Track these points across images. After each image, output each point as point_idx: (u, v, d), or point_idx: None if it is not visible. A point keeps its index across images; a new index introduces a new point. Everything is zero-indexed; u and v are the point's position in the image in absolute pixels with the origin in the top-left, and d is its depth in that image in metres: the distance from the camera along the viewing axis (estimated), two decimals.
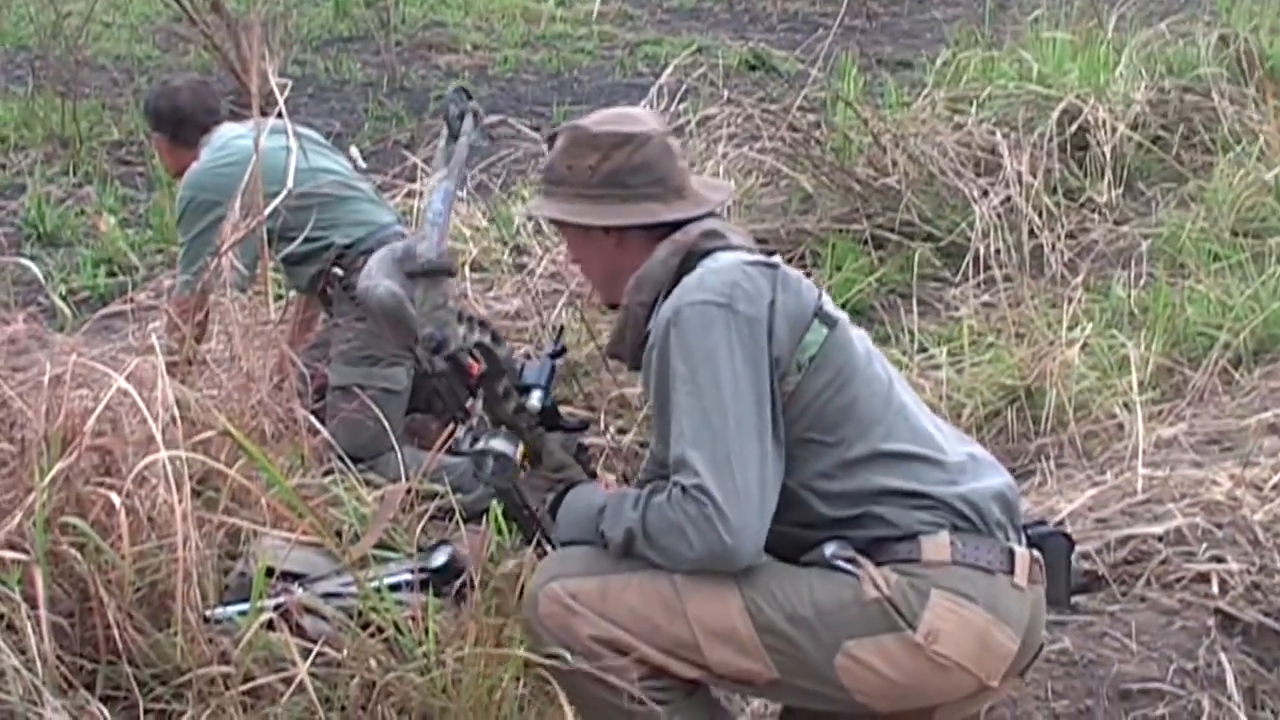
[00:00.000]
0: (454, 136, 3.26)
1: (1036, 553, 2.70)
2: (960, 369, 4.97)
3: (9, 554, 3.02)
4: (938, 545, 2.59)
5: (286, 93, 3.86)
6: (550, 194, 2.91)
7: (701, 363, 2.63)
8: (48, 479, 3.12)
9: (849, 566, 2.61)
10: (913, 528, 2.61)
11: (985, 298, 5.64)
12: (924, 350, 5.17)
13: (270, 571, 3.21)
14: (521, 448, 2.95)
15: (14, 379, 3.57)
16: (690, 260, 2.78)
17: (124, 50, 9.93)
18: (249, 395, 3.94)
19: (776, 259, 2.75)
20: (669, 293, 2.75)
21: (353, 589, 3.27)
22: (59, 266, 6.33)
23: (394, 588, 3.35)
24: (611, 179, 2.80)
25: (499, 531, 3.72)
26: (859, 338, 2.76)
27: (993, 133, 6.69)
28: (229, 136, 4.77)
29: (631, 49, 10.25)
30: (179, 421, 3.38)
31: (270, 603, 3.16)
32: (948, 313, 5.60)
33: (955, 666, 2.58)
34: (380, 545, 3.63)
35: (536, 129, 7.55)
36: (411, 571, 3.45)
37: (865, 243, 6.16)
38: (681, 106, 6.87)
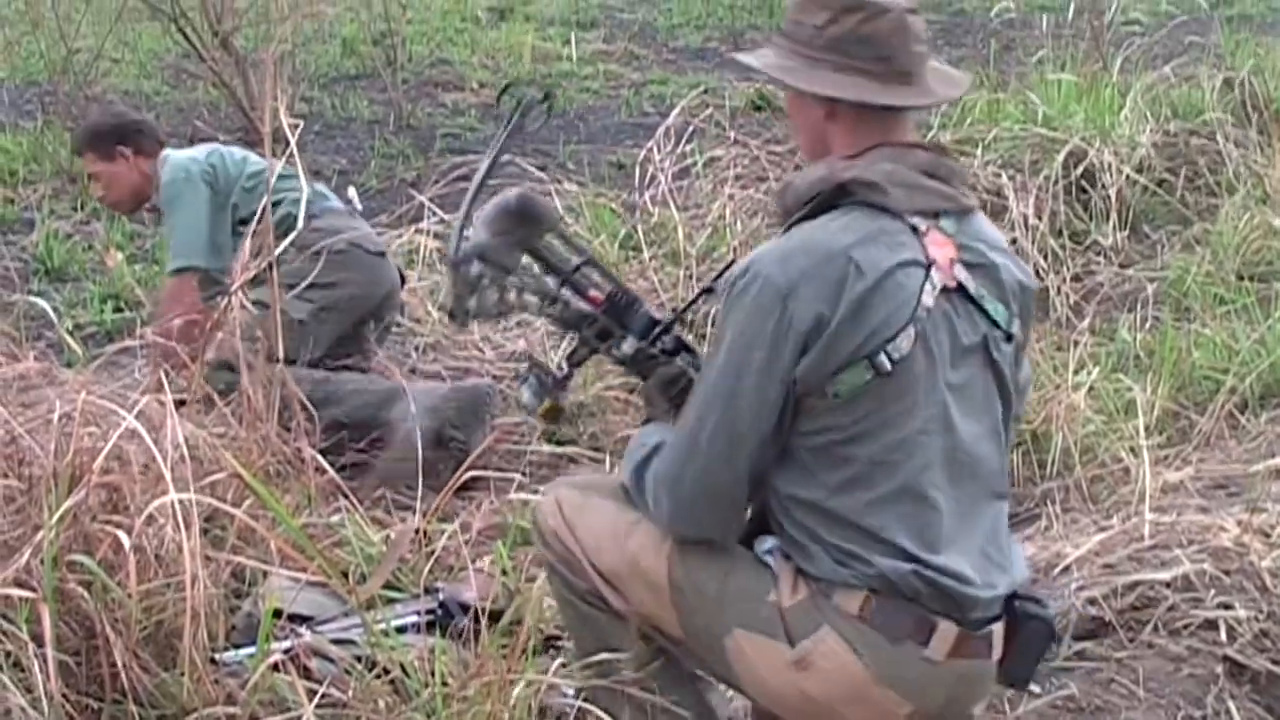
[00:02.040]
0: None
1: (992, 628, 2.67)
2: None
3: (16, 591, 3.02)
4: (852, 600, 2.59)
5: (298, 132, 3.87)
6: (776, 45, 2.77)
7: (731, 345, 2.62)
8: (56, 517, 3.12)
9: (773, 565, 2.67)
10: (835, 578, 2.61)
11: None
12: None
13: (278, 613, 3.21)
14: (547, 402, 3.08)
15: (23, 416, 3.58)
16: (834, 197, 2.64)
17: (132, 86, 9.94)
18: (255, 433, 3.95)
19: (888, 254, 2.58)
20: (797, 222, 2.68)
21: (360, 631, 3.28)
22: (67, 302, 6.34)
23: (401, 629, 3.35)
24: (834, 44, 2.66)
25: (504, 573, 3.73)
26: (931, 399, 2.61)
27: (998, 175, 6.71)
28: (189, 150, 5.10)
29: (637, 88, 10.27)
30: (187, 460, 3.38)
31: (278, 646, 3.16)
32: None
33: (820, 701, 2.62)
34: (387, 585, 3.63)
35: (542, 168, 7.58)
36: (419, 613, 3.46)
37: None
38: (688, 147, 6.89)
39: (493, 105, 9.86)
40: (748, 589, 2.68)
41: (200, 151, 5.09)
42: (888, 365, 2.56)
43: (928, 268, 2.61)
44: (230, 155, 5.07)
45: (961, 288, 2.65)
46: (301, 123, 4.03)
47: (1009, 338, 2.72)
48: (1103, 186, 6.72)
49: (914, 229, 2.63)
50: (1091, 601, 3.67)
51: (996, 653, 2.69)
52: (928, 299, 2.60)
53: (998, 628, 2.68)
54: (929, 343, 2.60)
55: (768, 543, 2.72)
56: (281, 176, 4.53)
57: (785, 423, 2.62)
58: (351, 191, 5.94)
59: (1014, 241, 6.21)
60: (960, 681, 2.66)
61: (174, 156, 5.06)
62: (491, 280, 3.00)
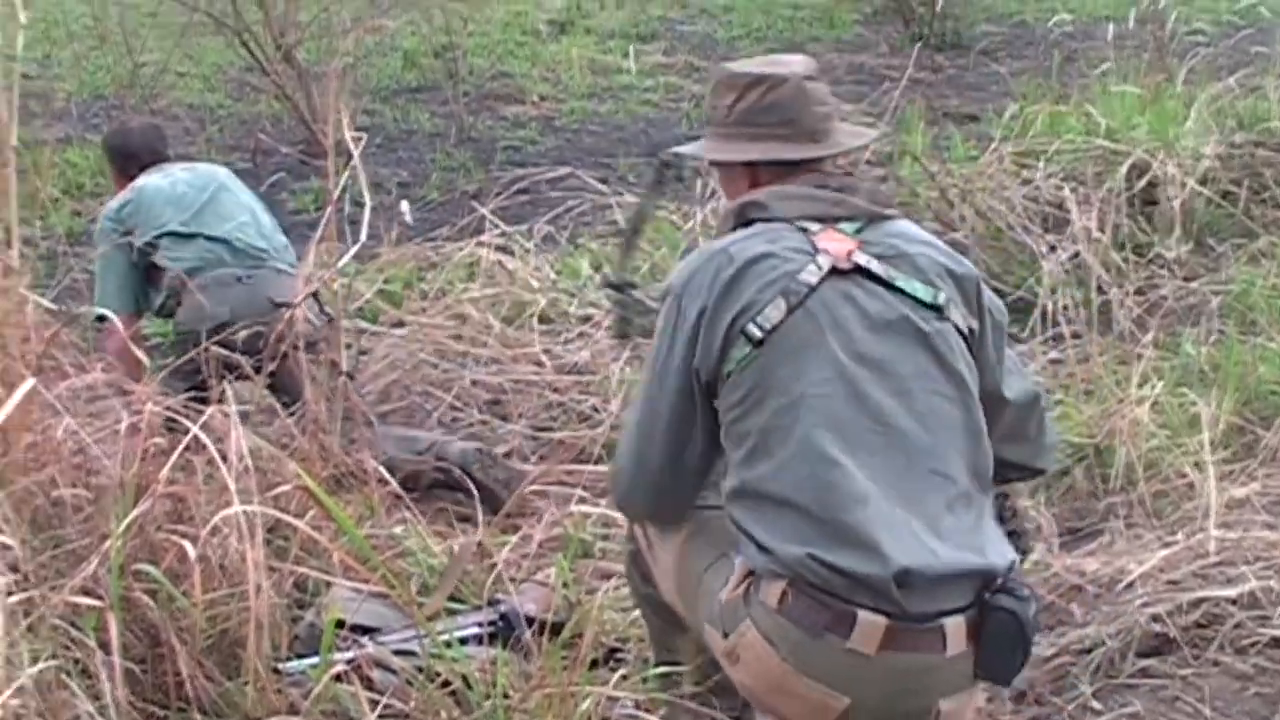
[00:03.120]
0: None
1: (944, 621, 2.63)
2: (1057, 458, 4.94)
3: (84, 600, 3.05)
4: (772, 593, 2.66)
5: (362, 145, 3.90)
6: (703, 135, 3.08)
7: (654, 344, 2.91)
8: (123, 526, 3.15)
9: (736, 563, 2.76)
10: (760, 569, 2.69)
11: (1053, 354, 5.60)
12: None
13: (340, 624, 3.22)
14: None
15: (91, 426, 3.62)
16: (738, 223, 2.91)
17: (197, 99, 10.04)
18: (318, 443, 3.98)
19: (766, 245, 2.80)
20: None
21: (423, 642, 3.29)
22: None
23: (462, 641, 3.37)
24: (744, 117, 2.93)
25: (565, 585, 3.73)
26: (815, 359, 2.72)
27: (1060, 188, 6.65)
28: (144, 179, 5.18)
29: (698, 100, 10.27)
30: (251, 471, 3.41)
31: (341, 656, 3.18)
32: None
33: (755, 692, 2.76)
34: (449, 596, 3.65)
35: (604, 181, 7.59)
36: (480, 624, 3.47)
37: None
38: None
39: (554, 118, 9.91)
40: (712, 585, 2.80)
41: (134, 192, 5.14)
42: (758, 334, 2.73)
43: (814, 255, 2.79)
44: (153, 208, 5.07)
45: (862, 269, 2.79)
46: (364, 136, 4.05)
47: (940, 315, 2.80)
48: (1166, 199, 6.64)
49: (803, 230, 2.84)
50: (1156, 618, 3.65)
51: (956, 646, 2.64)
52: (809, 277, 2.76)
53: (953, 620, 2.64)
54: (814, 313, 2.74)
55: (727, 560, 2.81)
56: (180, 237, 4.87)
57: (699, 410, 2.83)
58: (404, 205, 5.99)
59: (1076, 255, 6.16)
60: (902, 676, 2.64)
61: (121, 198, 5.19)
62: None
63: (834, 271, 2.78)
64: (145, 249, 4.98)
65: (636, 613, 3.66)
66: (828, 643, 2.63)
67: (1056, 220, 6.45)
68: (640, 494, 2.96)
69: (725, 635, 2.74)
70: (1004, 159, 6.96)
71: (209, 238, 5.02)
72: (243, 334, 4.39)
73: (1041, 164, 6.83)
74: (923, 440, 2.74)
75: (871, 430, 2.71)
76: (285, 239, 5.36)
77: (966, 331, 2.86)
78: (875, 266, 2.80)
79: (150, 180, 5.16)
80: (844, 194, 2.91)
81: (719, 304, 2.77)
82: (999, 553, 2.74)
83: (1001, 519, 2.95)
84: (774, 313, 2.73)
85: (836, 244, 2.82)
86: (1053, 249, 6.18)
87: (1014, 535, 2.97)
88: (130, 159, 5.35)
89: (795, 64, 3.02)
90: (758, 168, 2.94)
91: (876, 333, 2.76)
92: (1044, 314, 5.81)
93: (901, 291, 2.80)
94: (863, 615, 2.60)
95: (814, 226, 2.84)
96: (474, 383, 5.29)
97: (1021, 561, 2.90)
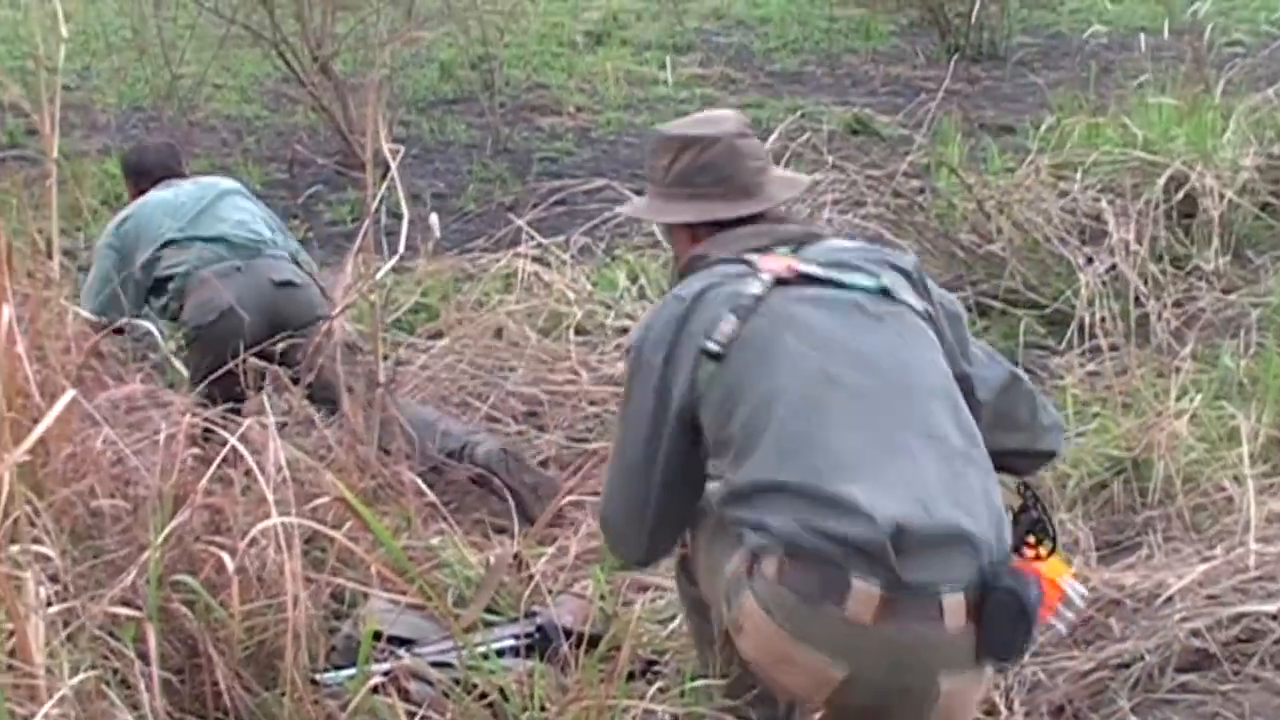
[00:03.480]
0: None
1: (942, 595, 2.69)
2: (1065, 439, 4.91)
3: (123, 610, 3.06)
4: (770, 564, 2.75)
5: (400, 157, 3.91)
6: (646, 193, 3.27)
7: (624, 399, 3.08)
8: (161, 537, 3.16)
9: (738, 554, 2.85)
10: (758, 547, 2.78)
11: (1090, 367, 5.57)
12: None
13: (377, 635, 3.23)
14: None
15: (130, 437, 3.63)
16: (685, 275, 3.09)
17: (234, 111, 10.09)
18: (355, 454, 3.99)
19: (711, 279, 2.97)
20: None
21: (460, 654, 3.29)
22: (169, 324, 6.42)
23: (499, 653, 3.37)
24: (680, 178, 3.10)
25: (601, 597, 3.73)
26: (783, 355, 2.87)
27: (1098, 200, 6.63)
28: (152, 193, 5.34)
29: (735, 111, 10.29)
30: (289, 482, 3.42)
31: (378, 668, 3.18)
32: (1052, 381, 5.53)
33: (758, 662, 2.84)
34: (485, 608, 3.65)
35: (639, 192, 7.58)
36: (517, 636, 3.47)
37: (969, 310, 6.12)
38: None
39: (590, 129, 9.92)
40: (724, 567, 2.89)
41: (138, 205, 5.32)
42: (715, 348, 2.88)
43: (756, 273, 2.96)
44: (153, 219, 5.23)
45: (805, 275, 2.97)
46: (402, 148, 4.06)
47: (890, 298, 2.97)
48: (1204, 211, 6.60)
49: (744, 261, 3.01)
50: (1195, 633, 3.62)
51: (955, 621, 2.70)
52: (755, 290, 2.92)
53: (951, 597, 2.69)
54: (767, 319, 2.90)
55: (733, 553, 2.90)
56: (178, 244, 5.00)
57: (676, 450, 2.98)
58: (433, 218, 6.00)
59: (1113, 267, 6.13)
60: (901, 650, 2.70)
61: (125, 211, 5.36)
62: None
63: (779, 282, 2.95)
64: (148, 264, 5.07)
65: (674, 625, 3.67)
66: (825, 612, 2.70)
67: (1094, 232, 6.42)
68: (631, 543, 3.16)
69: (729, 608, 2.84)
70: (1041, 171, 6.94)
71: (205, 239, 5.16)
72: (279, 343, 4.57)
73: (1079, 176, 6.81)
74: (899, 406, 2.85)
75: (847, 404, 2.83)
76: (296, 244, 5.61)
77: (923, 312, 3.00)
78: (816, 270, 2.98)
79: (155, 194, 5.33)
80: (776, 224, 3.12)
81: (676, 339, 2.94)
82: (993, 523, 2.79)
83: (1025, 508, 3.01)
84: (726, 327, 2.89)
85: (776, 262, 3.00)
86: (1090, 261, 6.15)
87: (1039, 524, 3.00)
88: (143, 175, 5.50)
89: (727, 123, 3.19)
90: (696, 225, 3.11)
91: (833, 322, 2.92)
92: (1081, 326, 5.78)
93: (847, 286, 2.96)
94: (857, 584, 2.67)
95: (753, 256, 3.01)
96: (510, 394, 5.29)
97: (1051, 548, 2.99)
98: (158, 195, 5.29)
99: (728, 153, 3.09)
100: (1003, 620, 2.73)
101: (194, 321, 4.95)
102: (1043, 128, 7.80)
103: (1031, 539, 2.98)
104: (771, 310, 2.91)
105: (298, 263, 5.32)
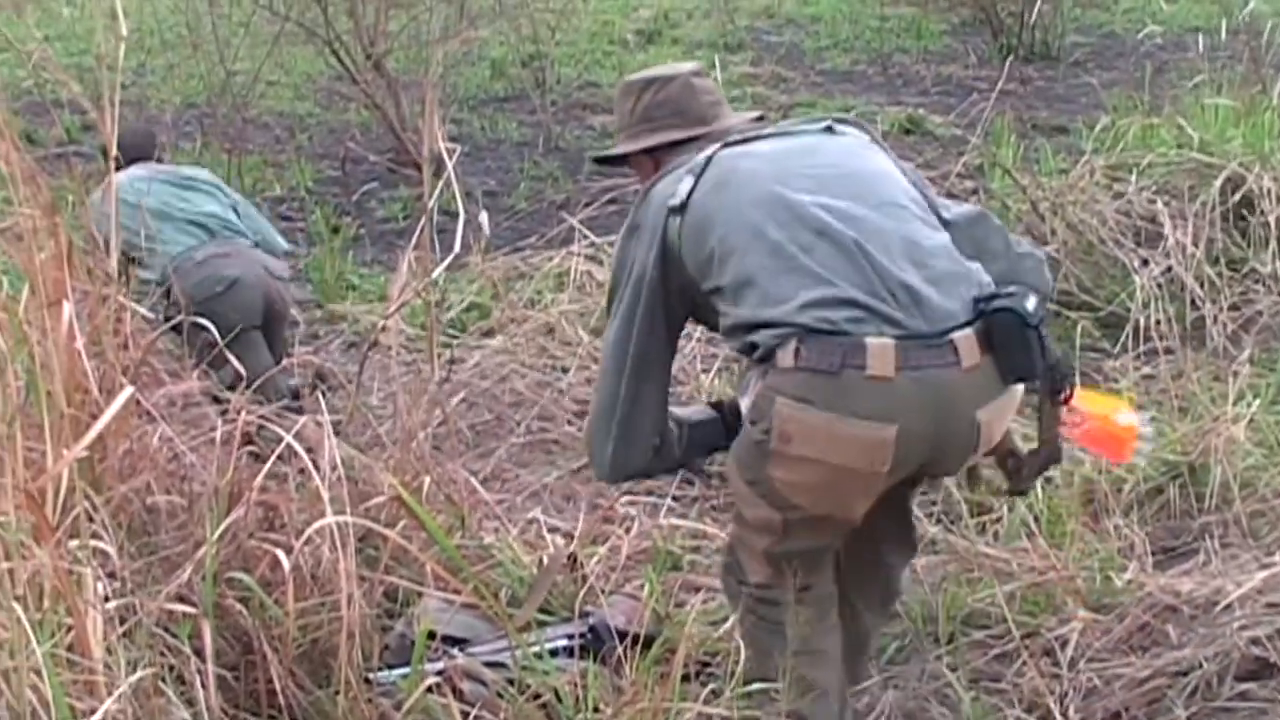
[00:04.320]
0: None
1: (952, 335, 2.92)
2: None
3: (179, 607, 3.07)
4: (786, 354, 2.93)
5: (456, 156, 3.91)
6: (616, 142, 3.55)
7: (620, 297, 3.29)
8: (217, 534, 3.17)
9: (745, 407, 3.07)
10: (770, 344, 2.96)
11: (1146, 370, 5.53)
12: None
13: (431, 635, 3.23)
14: None
15: (186, 434, 3.65)
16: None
17: (287, 108, 10.14)
18: (409, 453, 3.99)
19: (661, 178, 3.26)
20: None
21: (513, 654, 3.29)
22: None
23: (552, 653, 3.36)
24: (644, 115, 3.39)
25: (653, 597, 3.72)
26: (742, 176, 3.13)
27: (1153, 201, 6.57)
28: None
29: (785, 111, 10.24)
30: (344, 481, 3.43)
31: (432, 667, 3.18)
32: (1107, 384, 5.49)
33: (819, 461, 2.94)
34: (539, 608, 3.65)
35: None
36: (570, 636, 3.47)
37: None
38: None
39: None
40: (747, 441, 3.07)
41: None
42: (677, 202, 3.14)
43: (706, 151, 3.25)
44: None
45: (757, 137, 3.28)
46: (459, 148, 4.06)
47: (832, 132, 3.30)
48: (1261, 213, 6.53)
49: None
50: (1255, 641, 3.58)
51: (970, 358, 2.92)
52: (703, 157, 3.21)
53: (962, 334, 2.93)
54: (719, 166, 3.17)
55: (741, 405, 3.13)
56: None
57: (646, 343, 3.22)
58: (484, 217, 6.01)
59: (1169, 270, 6.08)
60: (931, 393, 2.90)
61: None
62: None
63: (725, 145, 3.25)
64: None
65: (726, 626, 3.66)
66: (849, 377, 2.88)
67: (1149, 234, 6.37)
68: (600, 446, 3.33)
69: (766, 433, 2.97)
70: (1095, 172, 6.88)
71: (186, 222, 5.36)
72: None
73: (1134, 177, 6.75)
74: (860, 190, 3.11)
75: (815, 199, 3.06)
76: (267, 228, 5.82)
77: (871, 139, 3.32)
78: (766, 134, 3.31)
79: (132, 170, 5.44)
80: (724, 135, 3.34)
81: (652, 225, 3.19)
82: (967, 267, 3.07)
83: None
84: (683, 187, 3.17)
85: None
86: (1145, 263, 6.10)
87: (1052, 369, 3.09)
88: (121, 151, 5.49)
89: (684, 67, 3.50)
90: (658, 152, 3.37)
91: (784, 150, 3.22)
92: (1136, 329, 5.74)
93: (794, 134, 3.32)
94: (871, 341, 2.89)
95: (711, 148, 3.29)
96: (562, 393, 5.29)
97: (1069, 394, 3.15)
98: (134, 171, 5.41)
99: (683, 89, 3.39)
100: (1011, 340, 2.94)
101: (201, 294, 4.97)
102: (1097, 128, 7.74)
103: (1055, 383, 3.11)
104: (722, 161, 3.19)
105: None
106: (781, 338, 2.94)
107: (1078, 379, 3.21)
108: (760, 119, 3.48)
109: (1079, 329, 5.75)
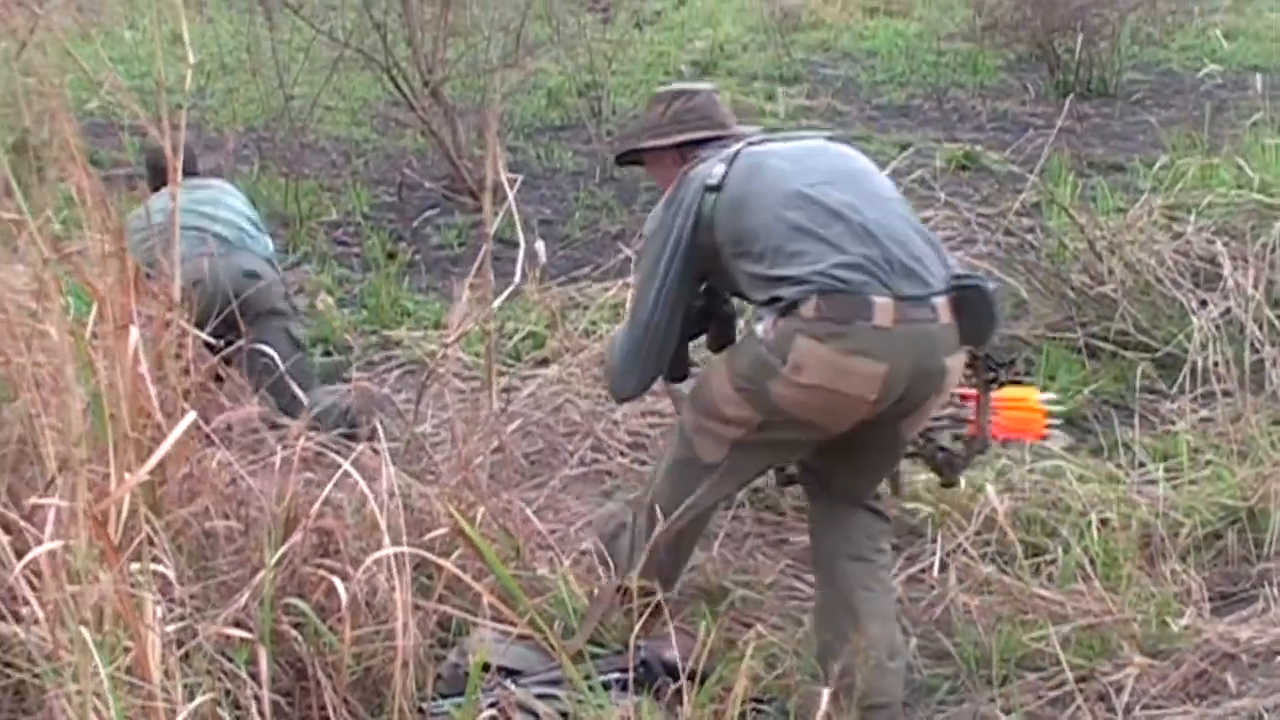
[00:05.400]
0: None
1: (933, 299, 3.68)
2: (1178, 486, 4.84)
3: (236, 632, 3.09)
4: (809, 306, 3.64)
5: (516, 186, 3.93)
6: (640, 141, 4.23)
7: (652, 263, 3.97)
8: (274, 559, 3.19)
9: (760, 333, 3.72)
10: (795, 296, 3.65)
11: (1204, 413, 5.48)
12: (1141, 465, 5.05)
13: (485, 666, 3.23)
14: None
15: (245, 460, 3.67)
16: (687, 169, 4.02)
17: (344, 133, 10.19)
18: (466, 482, 4.00)
19: (691, 169, 3.96)
20: None
21: (564, 686, 3.29)
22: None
23: (605, 686, 3.36)
24: (674, 119, 4.10)
25: (706, 631, 3.71)
26: (770, 169, 3.85)
27: (1212, 242, 6.52)
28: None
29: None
30: (401, 510, 3.44)
31: (485, 699, 3.18)
32: (1164, 427, 5.46)
33: (823, 388, 3.65)
34: (590, 640, 3.65)
35: None
36: (622, 670, 3.46)
37: (1079, 351, 6.06)
38: None
39: None
40: (754, 355, 3.75)
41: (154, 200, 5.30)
42: (714, 181, 3.87)
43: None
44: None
45: (772, 139, 4.09)
46: (519, 177, 4.08)
47: (831, 138, 4.17)
48: None
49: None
50: None
51: (945, 317, 3.70)
52: (733, 150, 3.94)
53: (940, 299, 3.70)
54: (748, 157, 3.91)
55: (757, 328, 3.76)
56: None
57: (674, 294, 3.93)
58: (539, 246, 6.03)
59: (1227, 311, 6.03)
60: (918, 340, 3.67)
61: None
62: None
63: (748, 144, 3.98)
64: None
65: (781, 664, 3.65)
66: (859, 327, 3.62)
67: (1208, 275, 6.31)
68: (628, 377, 4.04)
69: (784, 361, 3.65)
70: (1153, 211, 6.84)
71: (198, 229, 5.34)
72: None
73: (1192, 217, 6.71)
74: (863, 186, 3.87)
75: (829, 190, 3.78)
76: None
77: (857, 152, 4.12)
78: (781, 137, 4.13)
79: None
80: (740, 133, 4.12)
81: (690, 200, 3.87)
82: (942, 253, 3.88)
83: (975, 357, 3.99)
84: (718, 170, 3.88)
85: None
86: (1204, 304, 6.05)
87: (990, 355, 4.03)
88: (159, 173, 5.54)
89: (704, 86, 4.34)
90: (684, 149, 4.07)
91: (800, 150, 3.98)
92: (1194, 371, 5.69)
93: (800, 138, 4.13)
94: (876, 299, 3.63)
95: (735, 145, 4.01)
96: (616, 424, 5.29)
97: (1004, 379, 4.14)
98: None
99: (708, 100, 4.16)
100: (976, 310, 3.75)
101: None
102: (1155, 167, 7.71)
103: (992, 374, 4.06)
104: (750, 155, 3.92)
105: (270, 262, 5.74)
106: (805, 293, 3.64)
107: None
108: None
109: (1137, 370, 5.71)
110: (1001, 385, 4.13)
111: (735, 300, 4.12)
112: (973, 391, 4.13)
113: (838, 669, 3.58)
